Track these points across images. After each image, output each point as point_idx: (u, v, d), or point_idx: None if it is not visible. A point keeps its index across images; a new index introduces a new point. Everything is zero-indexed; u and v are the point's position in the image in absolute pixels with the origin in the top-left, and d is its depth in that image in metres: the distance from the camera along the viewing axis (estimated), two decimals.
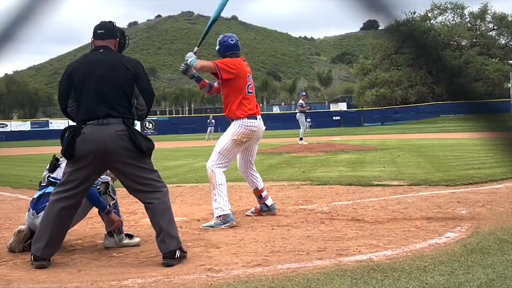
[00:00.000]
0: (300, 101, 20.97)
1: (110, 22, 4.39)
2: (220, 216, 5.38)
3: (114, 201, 4.69)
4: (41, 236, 4.03)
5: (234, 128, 5.68)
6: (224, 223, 5.34)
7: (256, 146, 6.05)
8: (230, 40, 5.86)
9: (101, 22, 4.37)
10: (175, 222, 4.18)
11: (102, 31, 4.27)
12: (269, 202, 5.95)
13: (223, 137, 5.75)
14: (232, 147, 5.67)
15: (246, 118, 5.68)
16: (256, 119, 5.78)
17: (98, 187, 4.60)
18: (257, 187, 5.99)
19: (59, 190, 4.09)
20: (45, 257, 3.99)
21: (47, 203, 4.18)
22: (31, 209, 4.60)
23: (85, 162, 3.99)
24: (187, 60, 5.75)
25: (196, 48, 5.88)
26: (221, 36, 5.95)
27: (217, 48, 5.88)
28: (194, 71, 5.84)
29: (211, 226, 5.33)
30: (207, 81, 6.15)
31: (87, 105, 4.05)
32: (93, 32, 4.30)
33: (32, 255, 4.03)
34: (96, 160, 4.00)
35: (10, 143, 43.59)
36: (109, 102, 4.04)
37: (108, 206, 4.58)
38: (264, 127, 5.96)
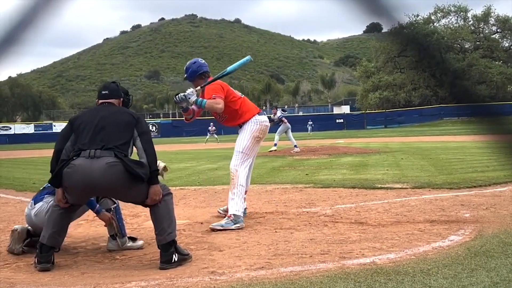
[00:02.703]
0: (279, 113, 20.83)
1: (113, 82, 4.64)
2: (231, 215, 5.47)
3: (115, 204, 4.69)
4: (45, 231, 4.13)
5: (251, 126, 5.85)
6: (234, 224, 5.41)
7: (257, 148, 6.13)
8: (193, 62, 6.01)
9: (105, 83, 4.61)
10: (175, 222, 4.21)
11: (106, 92, 4.46)
12: (244, 205, 5.96)
13: (242, 137, 5.84)
14: (253, 145, 5.85)
15: (257, 115, 5.93)
16: (264, 115, 6.06)
17: None
18: None
19: (43, 217, 4.29)
20: (52, 245, 4.07)
21: (51, 205, 4.30)
22: (31, 201, 4.73)
23: (74, 192, 4.06)
24: (188, 98, 5.67)
25: (199, 88, 5.82)
26: (187, 64, 6.04)
27: (189, 72, 5.92)
28: (188, 104, 5.79)
29: (222, 226, 5.39)
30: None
31: (84, 139, 4.10)
32: (98, 93, 4.50)
33: (35, 258, 4.05)
34: (83, 192, 4.07)
35: (14, 146, 43.74)
36: (106, 137, 4.08)
37: (97, 205, 4.61)
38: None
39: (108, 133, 4.10)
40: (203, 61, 6.09)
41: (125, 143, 4.13)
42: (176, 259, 3.99)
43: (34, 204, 4.62)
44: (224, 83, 5.91)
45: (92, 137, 4.08)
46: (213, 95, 5.64)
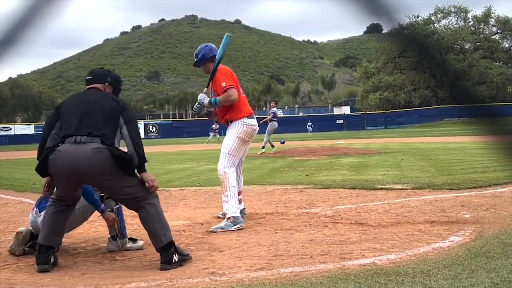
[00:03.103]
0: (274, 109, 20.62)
1: (101, 68, 4.67)
2: (230, 217, 5.45)
3: (117, 205, 4.69)
4: (42, 230, 4.16)
5: (237, 127, 5.80)
6: (234, 225, 5.41)
7: (246, 149, 6.14)
8: (205, 46, 6.05)
9: (91, 69, 4.62)
10: (167, 224, 4.17)
11: (90, 77, 4.49)
12: (241, 206, 5.97)
13: (228, 139, 5.82)
14: (239, 146, 5.81)
15: (246, 118, 5.85)
16: (254, 118, 5.98)
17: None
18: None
19: (51, 197, 4.21)
20: (49, 244, 4.07)
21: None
22: (35, 208, 4.69)
23: (60, 179, 4.04)
24: (202, 103, 5.79)
25: (205, 88, 5.92)
26: (198, 48, 6.07)
27: (200, 56, 5.94)
28: (206, 108, 5.92)
29: (222, 228, 5.38)
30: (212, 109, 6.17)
31: (70, 125, 4.07)
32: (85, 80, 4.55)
33: (36, 259, 4.05)
34: (69, 178, 4.01)
35: (14, 147, 43.72)
36: (92, 124, 4.04)
37: (102, 205, 4.60)
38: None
39: (95, 120, 4.06)
40: (214, 45, 6.08)
41: (111, 131, 4.09)
42: (176, 260, 3.98)
43: (40, 212, 4.56)
44: (230, 70, 5.89)
45: (78, 124, 4.03)
46: (223, 83, 5.67)
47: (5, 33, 1.07)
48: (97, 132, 3.99)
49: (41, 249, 4.04)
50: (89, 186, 4.46)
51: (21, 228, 4.66)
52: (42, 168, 4.03)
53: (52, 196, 4.19)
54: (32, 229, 4.66)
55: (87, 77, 4.50)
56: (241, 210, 5.94)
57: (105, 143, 3.96)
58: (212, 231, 5.34)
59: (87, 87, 4.46)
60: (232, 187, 5.62)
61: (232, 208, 5.52)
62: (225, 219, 5.50)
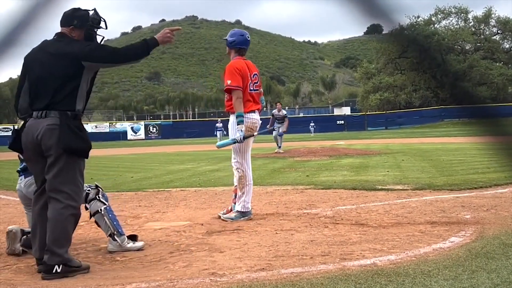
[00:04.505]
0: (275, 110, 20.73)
1: (73, 8, 4.05)
2: (241, 211, 5.88)
3: (105, 205, 4.67)
4: (33, 240, 4.08)
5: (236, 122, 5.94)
6: (243, 217, 5.85)
7: (251, 142, 6.23)
8: (247, 36, 6.17)
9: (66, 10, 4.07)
10: (67, 238, 3.93)
11: (61, 19, 4.06)
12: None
13: (232, 134, 5.97)
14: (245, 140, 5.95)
15: (248, 112, 5.98)
16: (255, 113, 6.10)
17: (88, 192, 4.62)
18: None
19: (34, 190, 4.13)
20: (42, 257, 3.98)
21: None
22: (20, 176, 4.82)
23: (28, 154, 4.00)
24: (241, 137, 5.80)
25: (241, 126, 5.86)
26: (235, 30, 6.25)
27: (230, 39, 6.07)
28: (245, 133, 5.88)
29: (231, 219, 5.82)
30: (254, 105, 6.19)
31: (31, 96, 3.97)
32: None
33: (36, 259, 4.05)
34: (35, 152, 3.92)
35: None
36: (49, 93, 3.88)
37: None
38: (261, 121, 6.20)
39: (49, 89, 3.87)
40: (245, 38, 6.12)
41: (69, 96, 3.89)
42: (59, 270, 3.80)
43: (24, 178, 4.71)
44: (242, 66, 5.94)
45: (37, 92, 3.92)
46: (228, 81, 5.83)
47: (6, 34, 1.07)
48: (54, 105, 3.87)
49: (39, 260, 4.01)
50: None
51: (10, 227, 4.72)
52: (14, 144, 4.04)
53: (35, 188, 4.13)
54: (19, 197, 4.79)
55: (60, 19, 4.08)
56: None
57: (62, 119, 3.83)
58: (222, 219, 5.81)
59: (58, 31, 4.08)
60: (248, 184, 5.99)
61: (245, 204, 5.91)
62: (236, 211, 5.89)
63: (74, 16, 4.00)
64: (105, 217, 4.62)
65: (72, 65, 3.91)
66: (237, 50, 6.05)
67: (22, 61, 4.07)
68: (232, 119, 5.97)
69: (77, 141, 3.88)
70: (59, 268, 3.80)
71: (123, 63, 4.13)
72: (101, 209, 4.63)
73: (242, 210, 5.89)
